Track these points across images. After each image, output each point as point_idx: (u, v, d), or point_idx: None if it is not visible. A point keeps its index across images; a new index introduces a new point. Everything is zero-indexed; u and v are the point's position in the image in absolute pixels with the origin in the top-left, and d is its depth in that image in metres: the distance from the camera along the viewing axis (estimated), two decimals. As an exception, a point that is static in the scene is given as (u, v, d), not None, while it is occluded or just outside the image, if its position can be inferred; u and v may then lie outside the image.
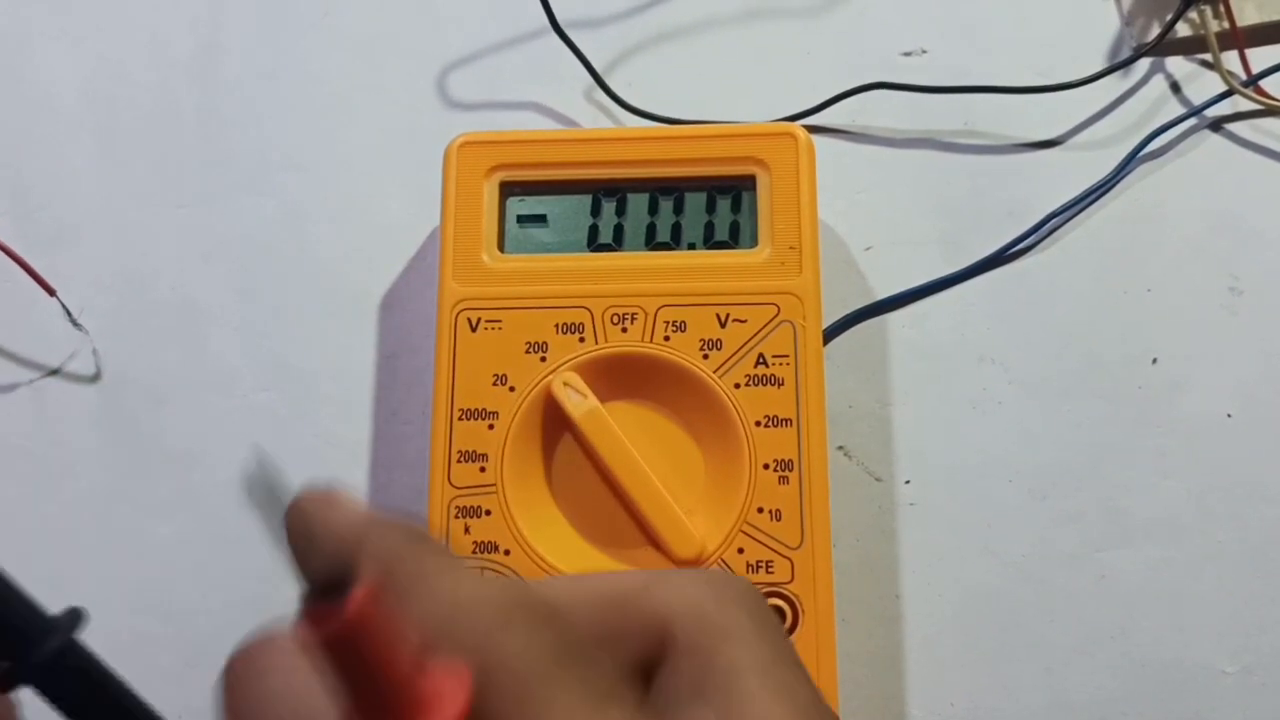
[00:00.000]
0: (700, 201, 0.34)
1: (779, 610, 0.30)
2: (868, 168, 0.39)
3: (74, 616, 0.17)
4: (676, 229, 0.34)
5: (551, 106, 0.40)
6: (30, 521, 0.36)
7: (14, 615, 0.17)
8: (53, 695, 0.17)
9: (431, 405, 0.32)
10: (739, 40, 0.41)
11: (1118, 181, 0.38)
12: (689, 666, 0.15)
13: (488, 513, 0.31)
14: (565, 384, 0.32)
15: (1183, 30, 0.39)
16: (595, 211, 0.34)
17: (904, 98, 0.39)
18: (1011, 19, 0.40)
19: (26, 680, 0.17)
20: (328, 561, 0.14)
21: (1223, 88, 0.38)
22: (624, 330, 0.32)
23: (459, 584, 0.15)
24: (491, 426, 0.32)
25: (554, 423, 0.32)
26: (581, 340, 0.32)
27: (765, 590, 0.30)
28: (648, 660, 0.16)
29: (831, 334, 0.36)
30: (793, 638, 0.30)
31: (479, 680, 0.14)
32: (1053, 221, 0.37)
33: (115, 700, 0.17)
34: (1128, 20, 0.40)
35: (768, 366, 0.32)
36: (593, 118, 0.40)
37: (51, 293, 0.38)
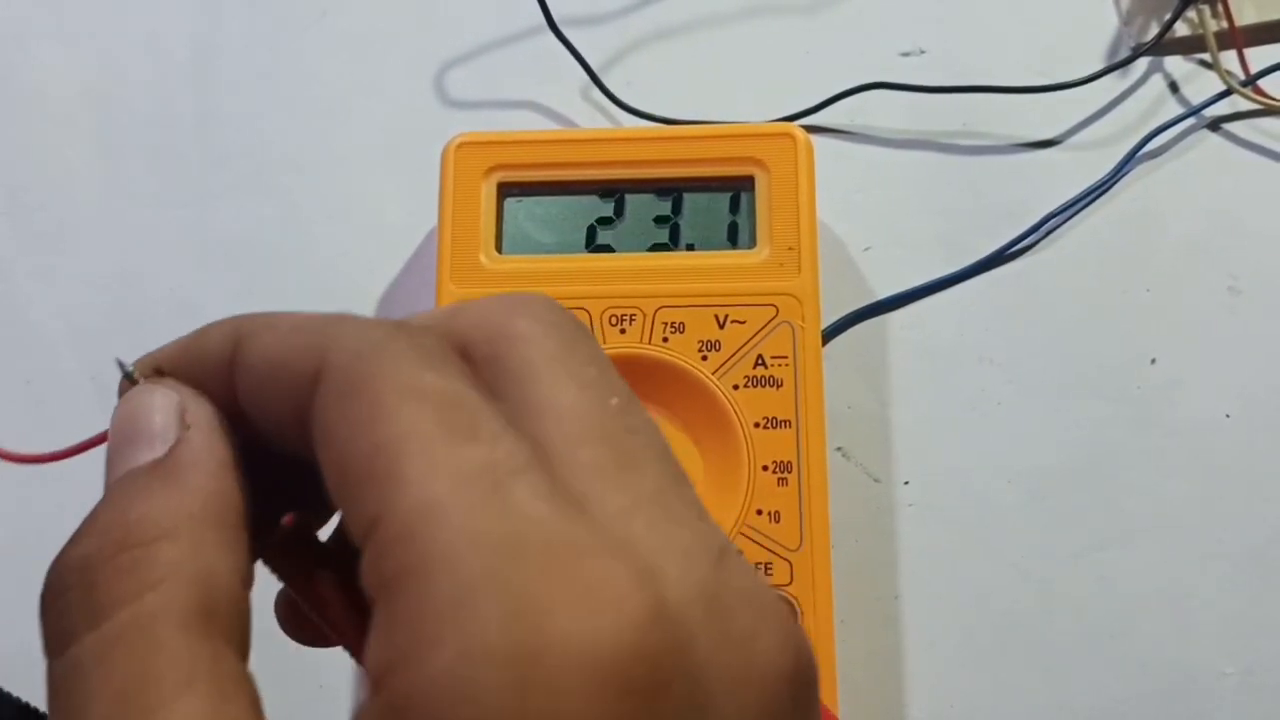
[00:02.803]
0: (699, 202, 0.34)
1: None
2: (866, 168, 0.39)
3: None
4: (675, 230, 0.34)
5: (549, 106, 0.40)
6: (29, 522, 0.36)
7: None
8: None
9: (430, 407, 0.32)
10: (737, 40, 0.41)
11: (1116, 181, 0.38)
12: (487, 373, 0.16)
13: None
14: (564, 385, 0.32)
15: (1181, 30, 0.39)
16: (593, 212, 0.34)
17: (903, 98, 0.39)
18: (1010, 19, 0.40)
19: None
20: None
21: (1221, 87, 0.38)
22: (622, 331, 0.32)
23: (293, 314, 0.17)
24: (490, 428, 0.32)
25: (552, 424, 0.32)
26: (580, 341, 0.32)
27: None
28: None
29: (830, 335, 0.36)
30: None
31: (322, 360, 0.15)
32: (1051, 221, 0.37)
33: None
34: (1126, 20, 0.40)
35: (766, 368, 0.32)
36: (590, 117, 0.40)
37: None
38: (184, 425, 0.17)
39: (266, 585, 0.18)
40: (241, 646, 0.16)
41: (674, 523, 0.15)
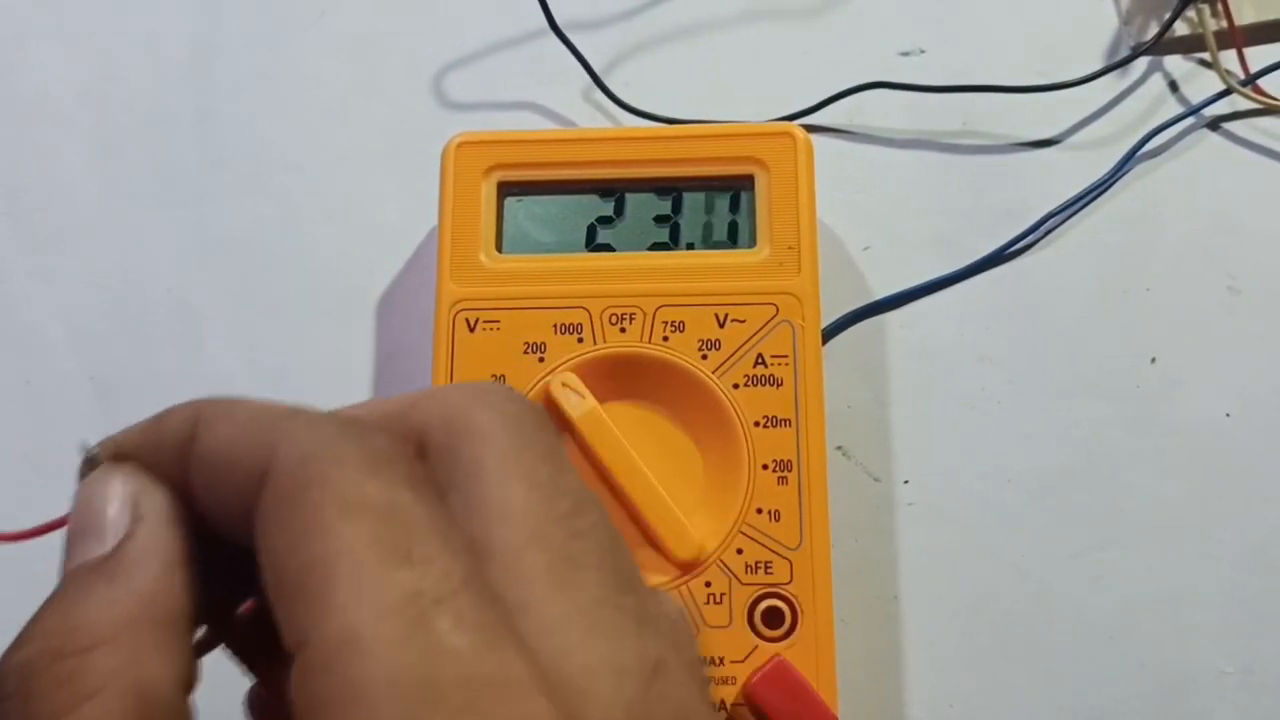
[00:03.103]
0: (699, 201, 0.34)
1: (776, 611, 0.30)
2: (866, 167, 0.39)
3: None
4: (675, 229, 0.34)
5: (550, 107, 0.40)
6: (27, 524, 0.36)
7: None
8: None
9: (429, 406, 0.32)
10: (737, 40, 0.41)
11: (1116, 181, 0.38)
12: (440, 468, 0.17)
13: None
14: (564, 385, 0.32)
15: (1181, 29, 0.39)
16: (593, 211, 0.34)
17: (902, 97, 0.39)
18: (1009, 19, 0.40)
19: None
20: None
21: (1221, 87, 0.38)
22: (622, 330, 0.32)
23: (253, 403, 0.17)
24: (490, 427, 0.32)
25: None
26: (580, 341, 0.32)
27: (765, 591, 0.30)
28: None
29: (830, 334, 0.36)
30: (791, 639, 0.30)
31: (270, 459, 0.16)
32: (1051, 221, 0.37)
33: None
34: (1126, 19, 0.40)
35: (766, 367, 0.32)
36: (591, 118, 0.40)
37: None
38: (135, 518, 0.17)
39: (225, 675, 0.18)
40: None
41: (610, 636, 0.15)
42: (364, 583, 0.14)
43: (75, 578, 0.17)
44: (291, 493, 0.15)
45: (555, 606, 0.15)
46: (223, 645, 0.19)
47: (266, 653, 0.19)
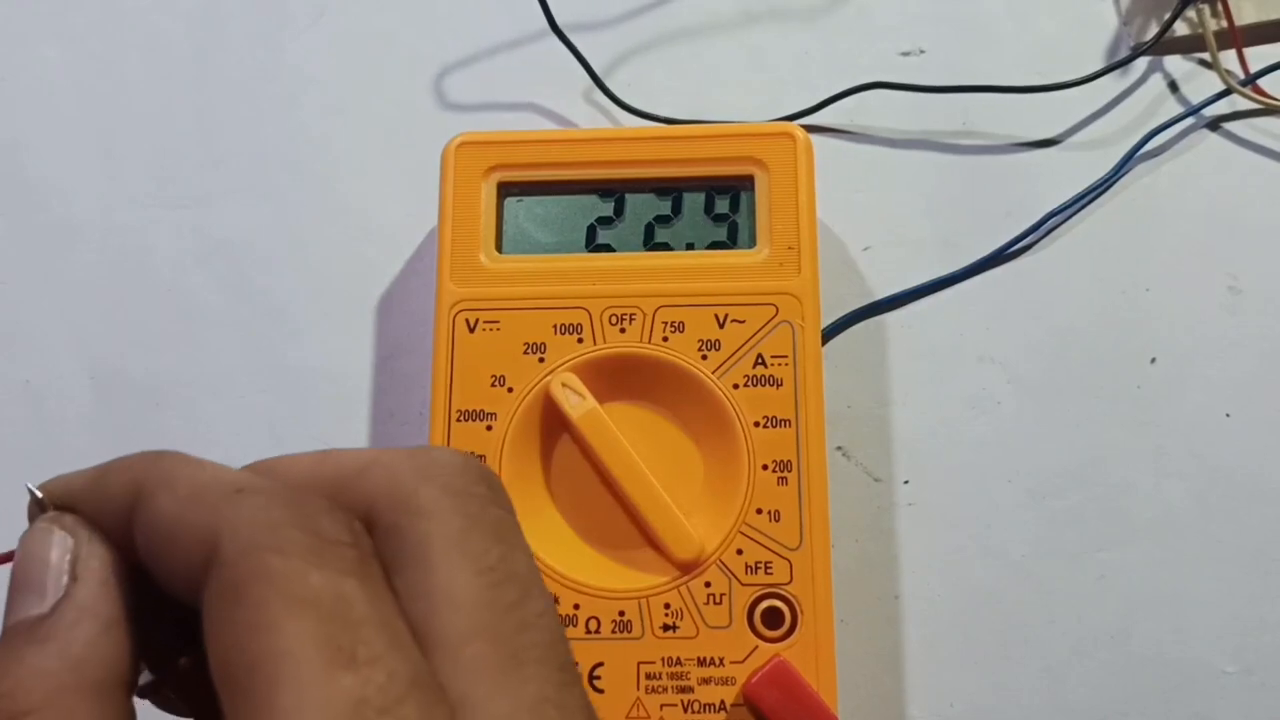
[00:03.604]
0: (698, 202, 0.34)
1: (776, 612, 0.30)
2: (866, 168, 0.39)
3: None
4: (675, 229, 0.34)
5: (550, 107, 0.40)
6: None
7: None
8: None
9: (429, 406, 0.32)
10: (737, 41, 0.41)
11: (1116, 181, 0.38)
12: (386, 547, 0.16)
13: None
14: (564, 385, 0.32)
15: (1181, 29, 0.39)
16: (593, 212, 0.34)
17: (902, 97, 0.39)
18: (1009, 19, 0.40)
19: None
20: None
21: (1221, 87, 0.38)
22: (622, 331, 0.32)
23: (197, 472, 0.17)
24: (490, 428, 0.32)
25: (552, 424, 0.32)
26: (580, 341, 0.32)
27: (765, 591, 0.30)
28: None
29: (830, 334, 0.36)
30: (792, 639, 0.30)
31: (214, 546, 0.15)
32: (1051, 221, 0.37)
33: None
34: (1126, 19, 0.40)
35: (766, 367, 0.32)
36: (591, 118, 0.40)
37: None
38: (73, 576, 0.17)
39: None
40: None
41: None
42: (307, 689, 0.14)
43: (12, 636, 0.17)
44: (235, 587, 0.15)
45: (498, 703, 0.15)
46: (163, 691, 0.19)
47: (209, 704, 0.18)
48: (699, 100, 0.40)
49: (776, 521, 0.31)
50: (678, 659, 0.30)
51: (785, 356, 0.32)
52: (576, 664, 0.17)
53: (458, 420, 0.32)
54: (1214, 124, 0.39)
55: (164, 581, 0.17)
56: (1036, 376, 0.36)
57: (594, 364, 0.32)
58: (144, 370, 0.38)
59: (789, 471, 0.31)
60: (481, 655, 0.15)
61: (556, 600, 0.30)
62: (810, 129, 0.36)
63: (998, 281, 0.37)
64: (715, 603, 0.30)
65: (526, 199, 0.34)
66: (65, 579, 0.17)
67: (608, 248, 0.34)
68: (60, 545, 0.17)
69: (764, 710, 0.29)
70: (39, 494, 0.18)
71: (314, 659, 0.14)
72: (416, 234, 0.38)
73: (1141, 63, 0.39)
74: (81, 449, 0.37)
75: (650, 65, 0.41)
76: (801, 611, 0.30)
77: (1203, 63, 0.39)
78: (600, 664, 0.30)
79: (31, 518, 0.18)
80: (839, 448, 0.35)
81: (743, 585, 0.30)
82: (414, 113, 0.40)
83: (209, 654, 0.15)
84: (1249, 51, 0.38)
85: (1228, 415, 0.35)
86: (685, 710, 0.30)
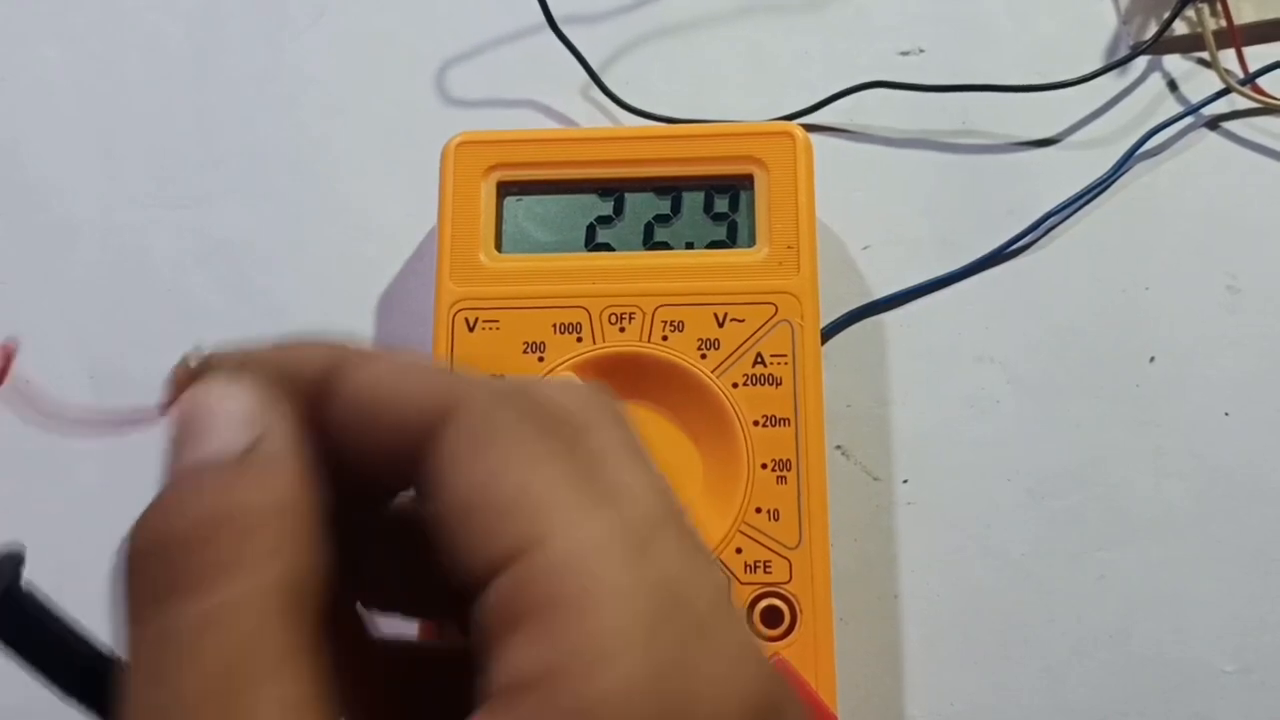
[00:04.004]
0: (698, 201, 0.34)
1: (775, 611, 0.30)
2: (865, 167, 0.39)
3: (14, 561, 0.18)
4: (674, 228, 0.34)
5: (548, 104, 0.40)
6: (28, 523, 0.36)
7: None
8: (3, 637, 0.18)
9: (429, 405, 0.32)
10: (736, 38, 0.41)
11: (1115, 180, 0.38)
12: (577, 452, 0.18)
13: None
14: (563, 384, 0.32)
15: (1180, 29, 0.39)
16: (592, 211, 0.34)
17: (901, 97, 0.39)
18: (1008, 18, 0.40)
19: None
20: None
21: (1220, 86, 0.38)
22: (622, 330, 0.32)
23: (396, 353, 0.18)
24: (489, 427, 0.32)
25: (552, 423, 0.32)
26: (579, 340, 0.32)
27: (764, 590, 0.30)
28: None
29: (829, 333, 0.36)
30: (791, 638, 0.30)
31: (451, 406, 0.17)
32: (1050, 220, 0.37)
33: (60, 639, 0.18)
34: (1125, 19, 0.40)
35: (765, 366, 0.32)
36: (590, 116, 0.40)
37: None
38: (265, 425, 0.17)
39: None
40: (317, 641, 0.16)
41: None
42: (583, 504, 0.16)
43: (217, 466, 0.17)
44: (490, 432, 0.17)
45: (698, 581, 0.17)
46: None
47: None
48: (698, 99, 0.40)
49: (776, 520, 0.31)
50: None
51: (784, 355, 0.32)
52: None
53: (457, 419, 0.32)
54: (1213, 123, 0.39)
55: (353, 449, 0.17)
56: (1036, 376, 0.36)
57: (593, 363, 0.32)
58: (144, 370, 0.38)
59: (788, 470, 0.31)
60: (668, 538, 0.17)
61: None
62: (809, 128, 0.36)
63: (997, 281, 0.37)
64: (714, 602, 0.30)
65: (526, 198, 0.34)
66: (261, 425, 0.17)
67: (607, 247, 0.34)
68: (250, 395, 0.18)
69: (763, 709, 0.29)
70: (201, 358, 0.19)
71: (577, 485, 0.16)
72: (416, 233, 0.38)
73: (1141, 62, 0.39)
74: (81, 450, 0.37)
75: (649, 64, 0.41)
76: (801, 611, 0.30)
77: (1202, 62, 0.39)
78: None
79: (180, 385, 0.19)
80: (838, 447, 0.35)
81: (742, 584, 0.30)
82: (413, 112, 0.40)
83: (437, 494, 0.16)
84: (1248, 51, 0.38)
85: (1227, 415, 0.35)
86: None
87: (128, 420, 0.19)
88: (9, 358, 0.18)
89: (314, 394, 0.18)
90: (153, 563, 0.16)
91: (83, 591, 0.18)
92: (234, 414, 0.17)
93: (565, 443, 0.17)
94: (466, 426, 0.17)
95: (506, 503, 0.16)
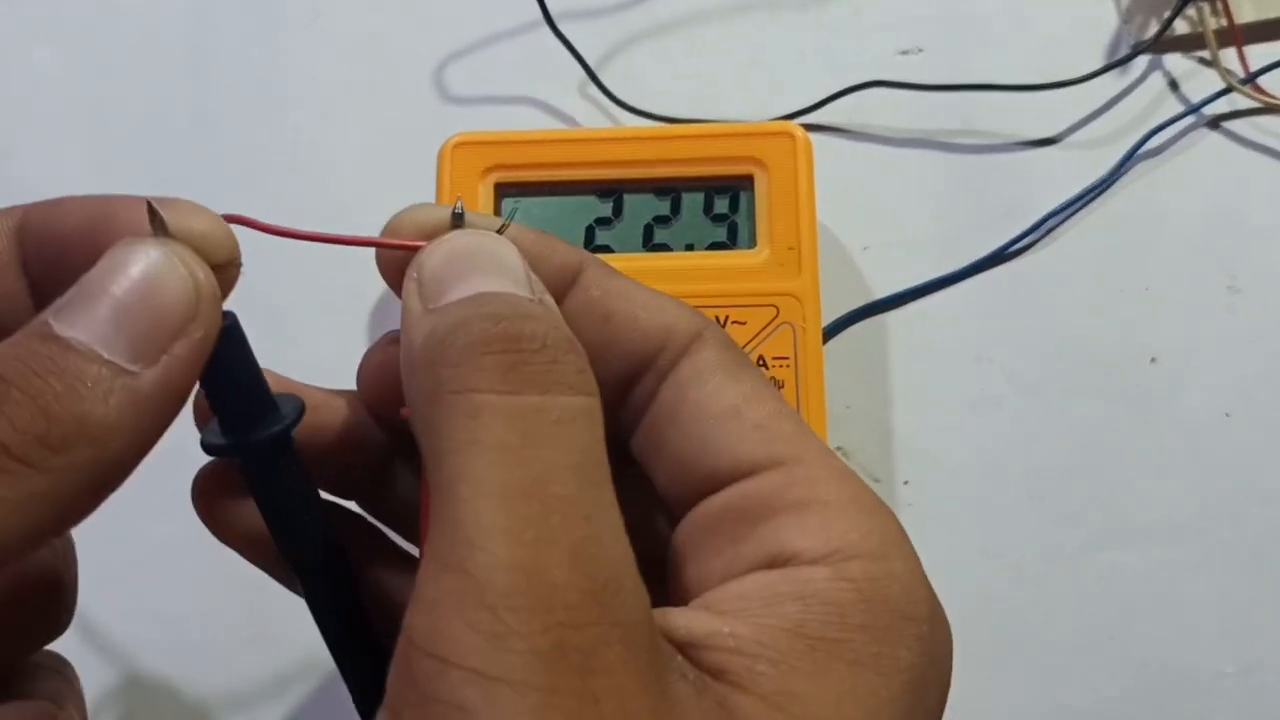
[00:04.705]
0: (697, 202, 0.34)
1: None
2: (865, 167, 0.39)
3: (298, 408, 0.20)
4: (674, 230, 0.34)
5: (547, 102, 0.40)
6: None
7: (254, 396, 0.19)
8: (263, 475, 0.19)
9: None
10: (735, 37, 0.41)
11: (1116, 180, 0.38)
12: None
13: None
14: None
15: (1181, 28, 0.39)
16: (591, 212, 0.34)
17: (901, 96, 0.39)
18: (1009, 17, 0.40)
19: (248, 454, 0.19)
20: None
21: (1221, 85, 0.38)
22: (622, 332, 0.32)
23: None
24: (489, 430, 0.32)
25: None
26: (579, 342, 0.32)
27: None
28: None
29: (829, 334, 0.36)
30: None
31: (699, 329, 0.21)
32: (1051, 220, 0.37)
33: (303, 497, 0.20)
34: (1126, 18, 0.40)
35: (768, 369, 0.32)
36: (588, 114, 0.40)
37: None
38: (544, 289, 0.19)
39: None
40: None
41: None
42: (827, 447, 0.20)
43: (521, 300, 0.18)
44: (738, 359, 0.21)
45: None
46: None
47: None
48: (696, 97, 0.39)
49: (777, 523, 0.31)
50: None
51: (787, 358, 0.32)
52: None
53: (457, 422, 0.32)
54: (1214, 123, 0.39)
55: (596, 340, 0.20)
56: (1036, 376, 0.36)
57: (593, 366, 0.32)
58: (141, 372, 0.38)
59: (789, 473, 0.31)
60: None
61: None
62: (809, 128, 0.36)
63: (997, 281, 0.37)
64: (715, 605, 0.30)
65: (524, 200, 0.34)
66: (538, 286, 0.19)
67: (606, 249, 0.34)
68: (520, 257, 0.19)
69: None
70: (460, 209, 0.20)
71: (803, 427, 0.20)
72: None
73: (1141, 61, 0.39)
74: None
75: (647, 61, 0.40)
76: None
77: (1203, 61, 0.39)
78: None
79: (427, 229, 0.20)
80: (839, 448, 0.35)
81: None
82: (410, 111, 0.40)
83: (682, 396, 0.20)
84: (1249, 50, 0.38)
85: (1227, 415, 0.35)
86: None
87: (364, 241, 0.22)
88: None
89: (558, 282, 0.20)
90: (512, 353, 0.17)
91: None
92: (521, 267, 0.19)
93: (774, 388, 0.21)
94: (721, 351, 0.20)
95: (766, 420, 0.19)
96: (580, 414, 0.17)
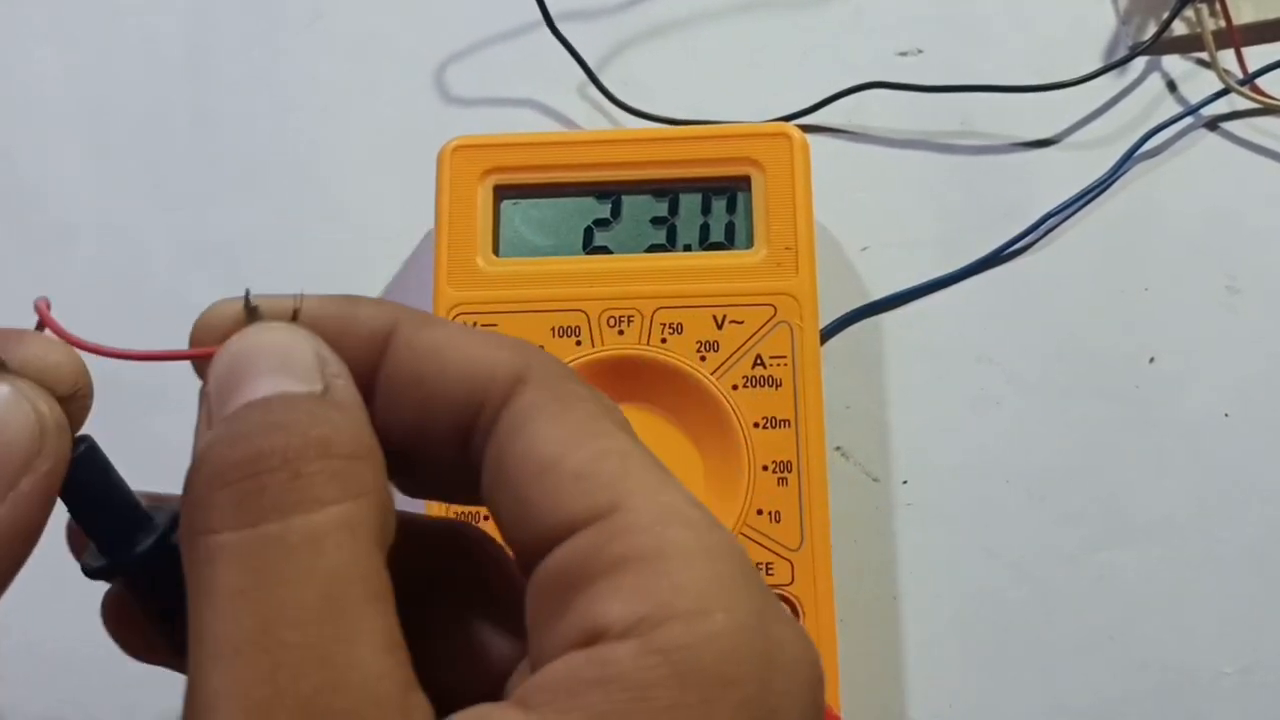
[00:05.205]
0: (695, 203, 0.34)
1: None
2: (863, 168, 0.39)
3: (171, 514, 0.18)
4: (672, 230, 0.34)
5: (546, 104, 0.40)
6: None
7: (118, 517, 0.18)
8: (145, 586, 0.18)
9: (427, 409, 0.32)
10: (734, 38, 0.41)
11: (1114, 180, 0.38)
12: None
13: (485, 518, 0.31)
14: (562, 387, 0.31)
15: (1179, 29, 0.39)
16: (590, 214, 0.34)
17: (900, 97, 0.39)
18: (1007, 18, 0.40)
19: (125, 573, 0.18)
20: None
21: (1219, 86, 0.38)
22: (620, 333, 0.32)
23: (452, 322, 0.20)
24: (488, 430, 0.32)
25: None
26: (578, 343, 0.32)
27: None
28: None
29: (828, 334, 0.36)
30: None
31: (523, 372, 0.18)
32: (1050, 221, 0.37)
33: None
34: (1124, 19, 0.40)
35: (765, 368, 0.32)
36: (587, 115, 0.40)
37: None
38: (332, 374, 0.18)
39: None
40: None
41: None
42: (660, 474, 0.17)
43: (293, 400, 0.17)
44: (564, 398, 0.17)
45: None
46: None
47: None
48: (695, 98, 0.39)
49: (777, 522, 0.31)
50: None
51: (784, 357, 0.32)
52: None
53: (456, 422, 0.32)
54: (1212, 124, 0.39)
55: (406, 408, 0.18)
56: (1036, 376, 0.36)
57: (592, 366, 0.32)
58: (143, 371, 0.38)
59: (789, 472, 0.31)
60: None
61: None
62: (807, 129, 0.36)
63: (996, 282, 0.37)
64: (715, 605, 0.30)
65: (523, 202, 0.34)
66: (327, 372, 0.17)
67: (605, 250, 0.34)
68: (313, 344, 0.18)
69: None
70: (254, 303, 0.18)
71: (644, 464, 0.17)
72: (413, 236, 0.38)
73: (1140, 62, 0.39)
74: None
75: (646, 63, 0.41)
76: (803, 612, 0.30)
77: (1201, 62, 0.39)
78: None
79: (222, 327, 0.19)
80: (838, 448, 0.35)
81: (742, 587, 0.30)
82: (410, 112, 0.40)
83: (508, 454, 0.17)
84: (1247, 51, 0.38)
85: (1227, 415, 0.35)
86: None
87: (165, 355, 0.20)
88: (46, 309, 0.18)
89: (369, 350, 0.18)
90: (248, 479, 0.16)
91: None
92: (307, 357, 0.17)
93: (621, 421, 0.18)
94: (542, 391, 0.18)
95: (585, 466, 0.17)
96: (333, 528, 0.15)
